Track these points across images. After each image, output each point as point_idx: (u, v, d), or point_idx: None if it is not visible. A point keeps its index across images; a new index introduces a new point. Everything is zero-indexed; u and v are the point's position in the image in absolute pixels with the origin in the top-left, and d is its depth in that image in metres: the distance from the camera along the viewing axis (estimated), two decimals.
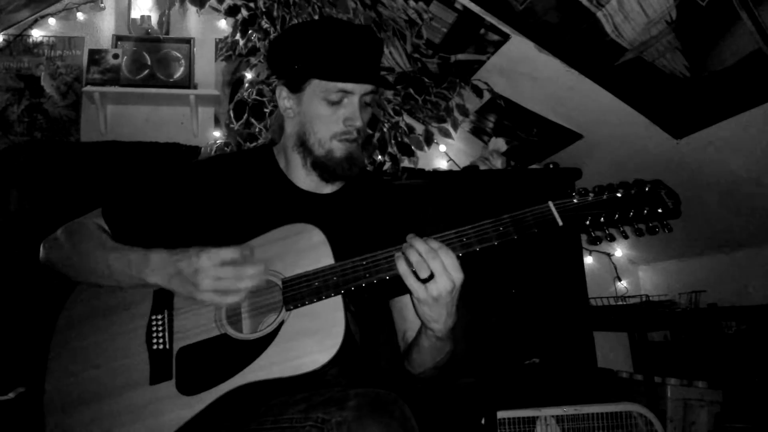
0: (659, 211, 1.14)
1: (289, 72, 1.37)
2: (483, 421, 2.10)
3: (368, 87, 1.35)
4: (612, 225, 1.15)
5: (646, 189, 1.15)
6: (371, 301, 1.39)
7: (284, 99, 1.40)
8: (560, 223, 1.13)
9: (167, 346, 1.22)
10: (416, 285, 1.11)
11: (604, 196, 1.15)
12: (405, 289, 1.40)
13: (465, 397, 2.06)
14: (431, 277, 1.10)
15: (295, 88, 1.37)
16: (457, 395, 2.02)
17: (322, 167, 1.37)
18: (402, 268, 1.12)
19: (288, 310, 1.19)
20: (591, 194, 1.15)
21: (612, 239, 1.17)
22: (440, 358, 1.28)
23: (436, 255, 1.10)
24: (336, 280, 1.18)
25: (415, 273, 1.12)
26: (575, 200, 1.14)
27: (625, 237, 1.18)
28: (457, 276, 1.11)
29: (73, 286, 1.36)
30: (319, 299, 1.18)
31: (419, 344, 1.27)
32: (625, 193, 1.15)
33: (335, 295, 1.18)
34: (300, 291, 1.19)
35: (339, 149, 1.35)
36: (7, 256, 2.65)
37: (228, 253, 1.19)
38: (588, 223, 1.14)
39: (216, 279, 1.18)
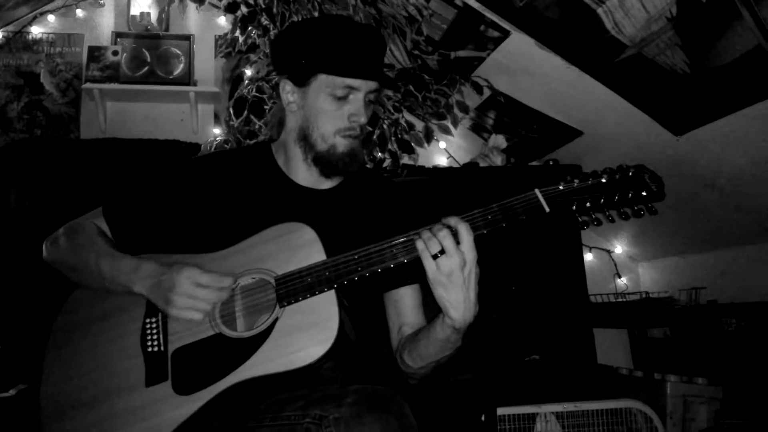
0: (643, 194, 1.15)
1: (295, 66, 1.37)
2: (483, 418, 2.10)
3: (373, 85, 1.36)
4: (598, 210, 1.17)
5: (630, 173, 1.17)
6: (365, 295, 1.39)
7: (288, 93, 1.40)
8: (547, 210, 1.15)
9: (162, 348, 1.23)
10: (428, 262, 1.11)
11: (589, 182, 1.16)
12: (400, 281, 1.41)
13: (465, 394, 2.06)
14: (443, 253, 1.10)
15: (301, 82, 1.37)
16: (456, 392, 2.02)
17: (324, 162, 1.38)
18: (419, 245, 1.13)
19: (282, 306, 1.19)
20: (576, 180, 1.17)
21: (599, 223, 1.19)
22: (446, 354, 1.26)
23: (448, 231, 1.11)
24: (328, 275, 1.18)
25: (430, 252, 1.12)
26: (561, 186, 1.16)
27: (612, 221, 1.19)
28: (469, 253, 1.11)
29: (70, 286, 1.37)
30: (313, 294, 1.18)
31: (431, 335, 1.24)
32: (609, 178, 1.16)
33: (328, 289, 1.18)
34: (293, 287, 1.19)
35: (342, 144, 1.36)
36: (7, 253, 2.65)
37: (207, 278, 1.21)
38: (574, 208, 1.16)
39: (189, 298, 1.20)
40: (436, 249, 1.11)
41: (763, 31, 1.85)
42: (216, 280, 1.22)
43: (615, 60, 2.28)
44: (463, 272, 1.11)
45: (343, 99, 1.34)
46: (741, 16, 1.85)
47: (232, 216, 1.38)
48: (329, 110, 1.35)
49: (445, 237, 1.10)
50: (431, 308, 1.44)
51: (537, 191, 1.15)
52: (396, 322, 1.43)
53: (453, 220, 1.13)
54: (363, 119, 1.36)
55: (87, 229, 1.38)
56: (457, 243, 1.11)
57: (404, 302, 1.42)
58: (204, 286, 1.21)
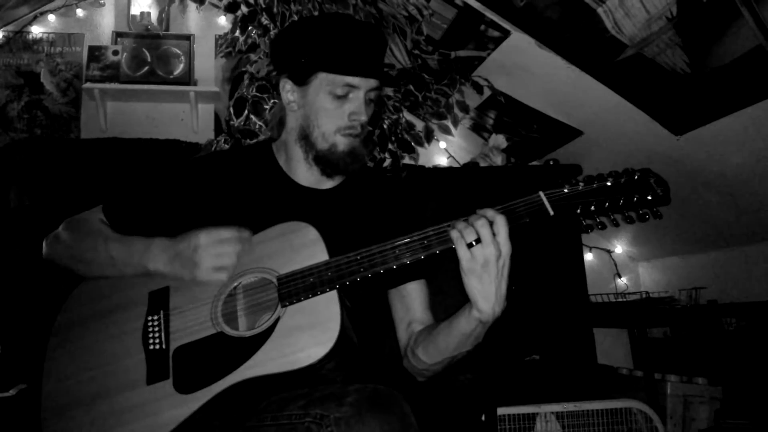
0: (649, 198, 1.15)
1: (295, 65, 1.37)
2: (483, 418, 2.10)
3: (374, 83, 1.36)
4: (602, 213, 1.16)
5: (636, 177, 1.16)
6: (368, 295, 1.39)
7: (288, 92, 1.40)
8: (551, 213, 1.14)
9: (163, 346, 1.23)
10: (463, 251, 1.10)
11: (594, 185, 1.16)
12: (408, 276, 1.41)
13: (465, 394, 2.06)
14: (479, 242, 1.10)
15: (301, 81, 1.37)
16: (457, 392, 2.02)
17: (325, 161, 1.38)
18: (454, 234, 1.12)
19: (284, 306, 1.19)
20: (581, 183, 1.16)
21: (603, 227, 1.19)
22: (465, 350, 1.25)
23: (485, 221, 1.10)
24: (331, 276, 1.18)
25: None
26: (566, 189, 1.15)
27: (616, 225, 1.19)
28: (505, 245, 1.10)
29: (71, 284, 1.37)
30: (315, 295, 1.18)
31: (452, 328, 1.22)
32: (614, 182, 1.16)
33: (330, 290, 1.18)
34: (295, 287, 1.19)
35: (342, 143, 1.36)
36: (7, 252, 2.65)
37: (225, 232, 1.24)
38: (579, 211, 1.15)
39: (215, 256, 1.22)
40: (472, 237, 1.10)
41: (763, 30, 1.85)
42: (235, 231, 1.24)
43: (615, 60, 2.28)
44: (498, 263, 1.10)
45: (343, 97, 1.34)
46: (741, 16, 1.85)
47: (233, 215, 1.37)
48: (329, 109, 1.35)
49: (482, 226, 1.10)
50: (435, 310, 1.44)
51: (541, 194, 1.15)
52: (404, 319, 1.42)
53: (490, 212, 1.12)
54: (363, 118, 1.35)
55: (90, 221, 1.39)
56: (494, 234, 1.10)
57: (413, 298, 1.41)
58: (226, 240, 1.23)
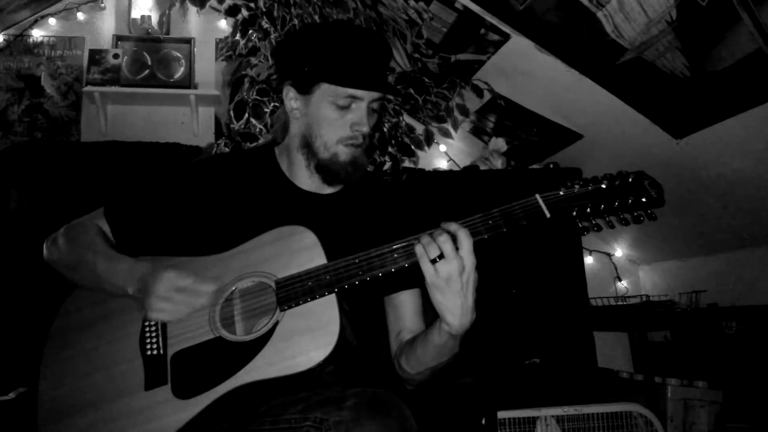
0: (643, 200, 1.16)
1: (299, 73, 1.37)
2: (483, 422, 2.10)
3: (376, 93, 1.35)
4: (598, 215, 1.18)
5: (630, 180, 1.17)
6: (366, 299, 1.39)
7: (291, 100, 1.40)
8: (548, 215, 1.15)
9: (161, 351, 1.23)
10: (427, 266, 1.11)
11: (589, 188, 1.17)
12: (400, 286, 1.41)
13: (465, 397, 2.06)
14: (442, 258, 1.11)
15: (304, 89, 1.37)
16: (457, 395, 2.02)
17: (326, 170, 1.38)
18: (418, 249, 1.13)
19: (282, 310, 1.19)
20: (577, 186, 1.17)
21: (599, 229, 1.20)
22: (443, 360, 1.26)
23: (447, 236, 1.11)
24: (329, 279, 1.18)
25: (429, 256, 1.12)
26: (561, 192, 1.17)
27: (611, 227, 1.21)
28: (468, 258, 1.11)
29: (70, 287, 1.37)
30: (313, 298, 1.18)
31: (427, 341, 1.24)
32: (609, 184, 1.17)
33: (329, 293, 1.18)
34: (294, 291, 1.19)
35: (344, 153, 1.36)
36: (7, 255, 2.65)
37: (185, 282, 1.21)
38: (575, 214, 1.17)
39: (163, 301, 1.20)
40: (435, 253, 1.11)
41: (763, 34, 1.85)
42: (195, 284, 1.21)
43: (615, 63, 2.28)
44: (462, 278, 1.11)
45: (345, 108, 1.34)
46: (741, 20, 1.85)
47: (233, 218, 1.38)
48: (331, 119, 1.34)
49: (444, 242, 1.10)
50: (432, 314, 1.44)
51: (538, 196, 1.16)
52: (395, 327, 1.42)
53: (453, 226, 1.13)
54: (365, 128, 1.35)
55: (87, 229, 1.38)
56: (457, 248, 1.10)
57: (404, 307, 1.42)
58: (181, 290, 1.21)
